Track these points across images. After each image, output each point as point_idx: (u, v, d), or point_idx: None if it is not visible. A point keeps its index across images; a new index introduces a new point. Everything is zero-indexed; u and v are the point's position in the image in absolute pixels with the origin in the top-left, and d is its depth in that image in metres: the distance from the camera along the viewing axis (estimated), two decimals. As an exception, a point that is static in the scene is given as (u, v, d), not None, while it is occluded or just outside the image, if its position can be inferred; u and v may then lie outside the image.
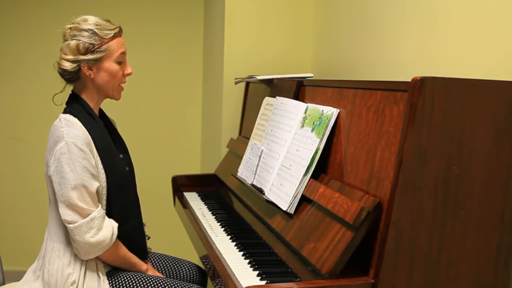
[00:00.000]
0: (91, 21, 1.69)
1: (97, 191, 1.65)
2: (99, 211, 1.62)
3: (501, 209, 1.26)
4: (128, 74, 1.77)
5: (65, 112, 1.70)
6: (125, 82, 1.78)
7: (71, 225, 1.60)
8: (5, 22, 3.36)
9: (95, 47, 1.67)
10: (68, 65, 1.67)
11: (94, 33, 1.67)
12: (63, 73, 1.70)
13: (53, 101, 1.76)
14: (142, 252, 1.82)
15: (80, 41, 1.67)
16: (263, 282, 1.43)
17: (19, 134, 3.43)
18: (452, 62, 1.60)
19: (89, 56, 1.67)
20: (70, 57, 1.67)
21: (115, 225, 1.67)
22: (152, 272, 1.81)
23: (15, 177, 3.44)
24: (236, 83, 2.43)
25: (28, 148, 3.41)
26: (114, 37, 1.71)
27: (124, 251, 1.73)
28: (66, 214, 1.60)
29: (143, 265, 1.78)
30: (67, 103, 1.74)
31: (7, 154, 3.43)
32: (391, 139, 1.28)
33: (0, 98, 3.41)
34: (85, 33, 1.67)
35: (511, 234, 1.27)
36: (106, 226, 1.64)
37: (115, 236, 1.65)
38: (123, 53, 1.74)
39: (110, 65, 1.70)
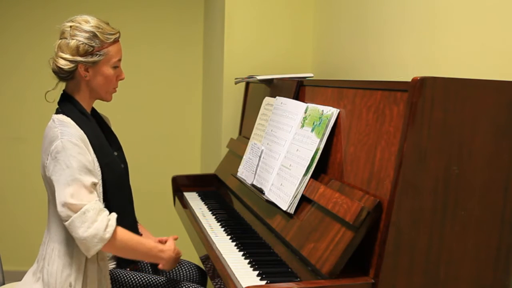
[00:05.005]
0: (92, 22, 1.68)
1: (95, 186, 1.64)
2: (93, 204, 1.57)
3: (501, 209, 1.26)
4: (121, 79, 1.78)
5: (57, 112, 1.70)
6: (117, 86, 1.79)
7: (66, 222, 1.58)
8: (5, 21, 3.36)
9: (95, 50, 1.66)
10: (64, 64, 1.65)
11: (95, 36, 1.66)
12: (59, 71, 1.68)
13: (46, 98, 1.75)
14: None
15: (81, 42, 1.65)
16: (263, 282, 1.42)
17: (19, 134, 3.44)
18: (452, 62, 1.60)
19: (88, 58, 1.66)
20: (68, 56, 1.65)
21: (113, 217, 1.61)
22: (169, 250, 1.76)
23: (15, 177, 3.44)
24: (236, 83, 2.43)
25: (28, 148, 3.41)
26: (114, 42, 1.71)
27: (127, 242, 1.65)
28: (62, 210, 1.59)
29: (155, 249, 1.72)
30: (59, 103, 1.73)
31: (7, 154, 3.43)
32: (391, 139, 1.28)
33: (0, 97, 3.41)
34: (86, 35, 1.66)
35: (511, 234, 1.27)
36: (100, 219, 1.58)
37: (111, 228, 1.58)
38: (120, 60, 1.74)
39: (106, 69, 1.70)
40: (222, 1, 2.71)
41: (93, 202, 1.58)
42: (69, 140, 1.59)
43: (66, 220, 1.58)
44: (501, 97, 1.23)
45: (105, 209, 1.63)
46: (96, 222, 1.57)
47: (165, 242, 1.87)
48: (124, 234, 1.64)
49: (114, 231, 1.60)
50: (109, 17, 1.77)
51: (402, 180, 1.19)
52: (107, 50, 1.69)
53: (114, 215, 1.64)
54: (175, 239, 1.85)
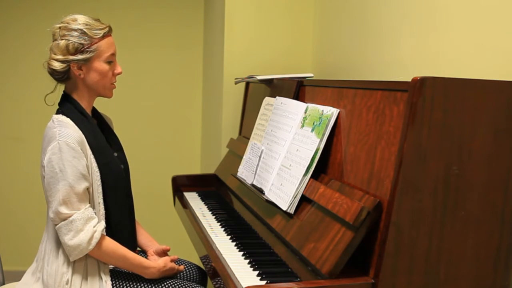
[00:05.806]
0: (80, 20, 1.68)
1: (88, 191, 1.64)
2: (82, 213, 1.59)
3: (501, 209, 1.26)
4: (118, 73, 1.76)
5: (57, 113, 1.70)
6: (115, 81, 1.77)
7: (56, 227, 1.61)
8: (4, 21, 3.36)
9: (85, 47, 1.66)
10: (57, 65, 1.66)
11: (84, 33, 1.66)
12: (53, 73, 1.69)
13: (45, 101, 1.76)
14: (133, 246, 1.83)
15: (70, 41, 1.65)
16: (263, 282, 1.43)
17: (18, 134, 3.43)
18: (452, 62, 1.60)
19: (79, 56, 1.66)
20: (59, 57, 1.66)
21: (100, 228, 1.62)
22: (158, 272, 1.75)
23: (15, 177, 3.44)
24: (236, 83, 2.43)
25: (28, 148, 3.41)
26: (103, 37, 1.70)
27: (111, 254, 1.65)
28: (52, 217, 1.61)
29: (138, 265, 1.71)
30: (59, 104, 1.74)
31: (7, 154, 3.43)
32: (391, 139, 1.28)
33: (0, 97, 3.41)
34: (75, 33, 1.66)
35: (511, 234, 1.27)
36: (86, 229, 1.59)
37: (95, 241, 1.60)
38: (113, 54, 1.73)
39: (99, 65, 1.69)
40: (222, 1, 2.70)
41: (82, 211, 1.60)
42: (65, 142, 1.59)
43: (56, 225, 1.61)
44: (501, 97, 1.23)
45: (94, 217, 1.63)
46: (82, 232, 1.59)
47: (162, 252, 1.88)
48: (109, 247, 1.65)
49: (99, 243, 1.62)
50: (109, 18, 1.77)
51: (402, 180, 1.19)
52: (98, 46, 1.68)
53: (101, 226, 1.64)
54: (172, 260, 1.80)
